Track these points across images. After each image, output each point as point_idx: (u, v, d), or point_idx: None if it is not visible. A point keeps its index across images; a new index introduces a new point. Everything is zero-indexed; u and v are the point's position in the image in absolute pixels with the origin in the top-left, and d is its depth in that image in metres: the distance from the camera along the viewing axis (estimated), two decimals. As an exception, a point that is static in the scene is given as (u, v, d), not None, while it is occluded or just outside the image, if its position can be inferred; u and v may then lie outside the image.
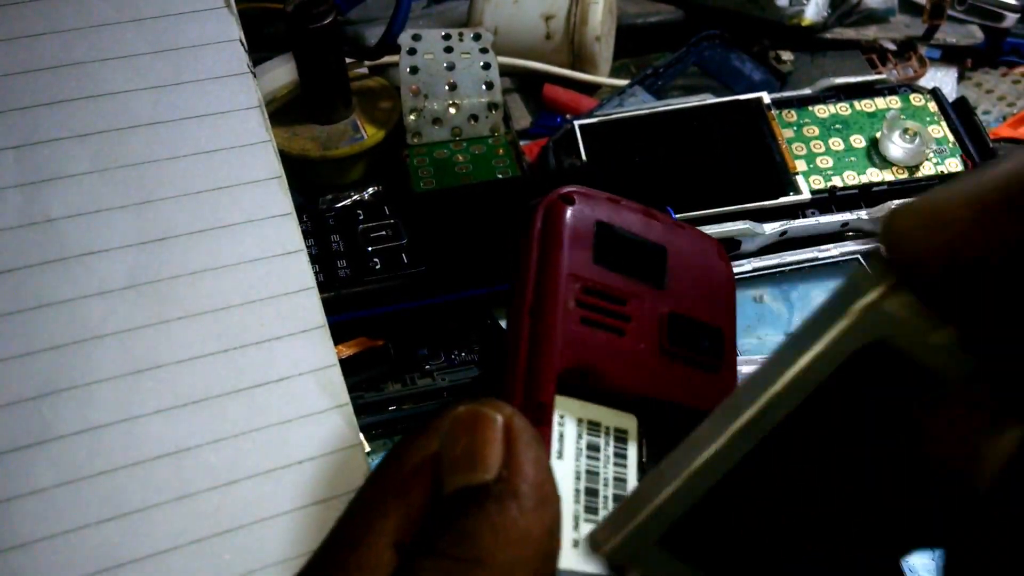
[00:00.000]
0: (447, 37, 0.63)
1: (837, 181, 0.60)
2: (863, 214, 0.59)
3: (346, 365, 0.49)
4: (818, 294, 0.58)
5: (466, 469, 0.25)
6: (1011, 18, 0.75)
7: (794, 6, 0.72)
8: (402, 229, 0.55)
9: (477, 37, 0.63)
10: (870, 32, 0.75)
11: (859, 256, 0.59)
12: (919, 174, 0.60)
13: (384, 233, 0.55)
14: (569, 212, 0.31)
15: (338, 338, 0.49)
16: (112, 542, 0.37)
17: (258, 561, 0.37)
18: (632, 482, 0.29)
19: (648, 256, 0.32)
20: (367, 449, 0.49)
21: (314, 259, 0.53)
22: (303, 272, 0.42)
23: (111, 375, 0.38)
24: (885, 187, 0.60)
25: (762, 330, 0.56)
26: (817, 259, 0.59)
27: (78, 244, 0.40)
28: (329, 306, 0.43)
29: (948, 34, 0.76)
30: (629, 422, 0.30)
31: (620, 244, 0.31)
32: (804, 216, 0.59)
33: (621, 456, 0.30)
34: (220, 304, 0.40)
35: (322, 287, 0.50)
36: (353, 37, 0.72)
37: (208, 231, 0.41)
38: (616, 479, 0.29)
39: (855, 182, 0.60)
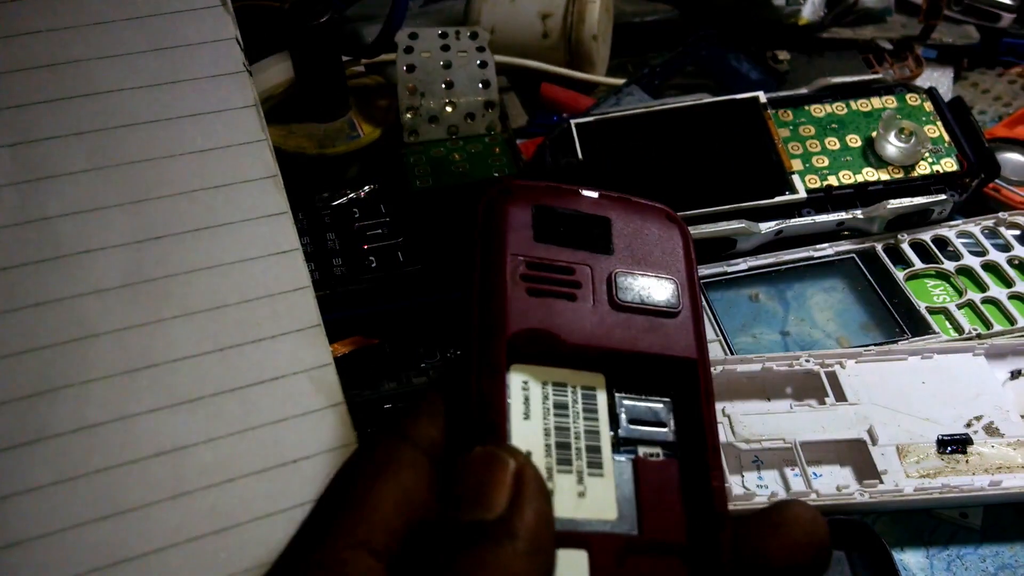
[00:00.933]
0: (444, 35, 0.63)
1: (833, 180, 0.60)
2: (859, 213, 0.59)
3: (341, 363, 0.49)
4: (813, 293, 0.58)
5: (471, 505, 0.27)
6: (1007, 18, 0.75)
7: (791, 5, 0.72)
8: (398, 227, 0.55)
9: (474, 35, 0.64)
10: (867, 32, 0.75)
11: (854, 255, 0.59)
12: (915, 174, 0.60)
13: (380, 231, 0.55)
14: (507, 202, 0.34)
15: (333, 336, 0.49)
16: (108, 540, 0.36)
17: (253, 559, 0.37)
18: (605, 432, 0.31)
19: (591, 227, 0.34)
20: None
21: (310, 257, 0.53)
22: (298, 271, 0.42)
23: (107, 373, 0.38)
24: (881, 186, 0.60)
25: (757, 328, 0.56)
26: (813, 258, 0.59)
27: (74, 242, 0.40)
28: (325, 304, 0.43)
29: (944, 34, 0.76)
30: (596, 380, 0.32)
31: (560, 221, 0.34)
32: (800, 215, 0.59)
33: (591, 411, 0.32)
34: (216, 303, 0.40)
35: (318, 285, 0.50)
36: (350, 35, 0.72)
37: (204, 230, 0.41)
38: (588, 431, 0.31)
39: (851, 181, 0.60)
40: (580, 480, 0.30)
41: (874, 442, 0.48)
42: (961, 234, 0.60)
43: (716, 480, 0.31)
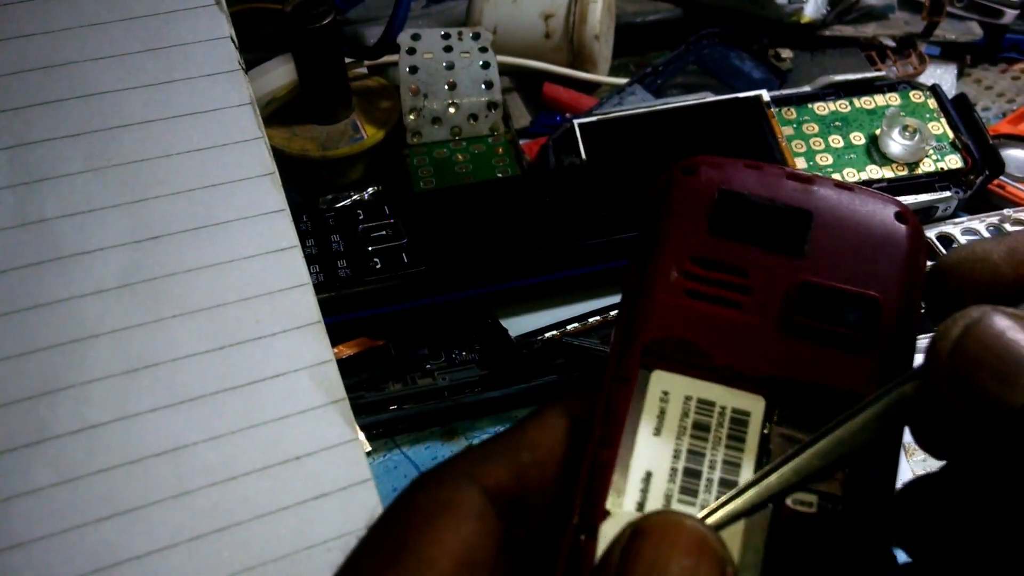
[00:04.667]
0: (446, 36, 0.63)
1: (837, 178, 0.59)
2: (863, 211, 0.59)
3: (347, 365, 0.49)
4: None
5: None
6: (1010, 14, 0.75)
7: (793, 4, 0.72)
8: (402, 229, 0.55)
9: (476, 36, 0.64)
10: (869, 29, 0.75)
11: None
12: (919, 171, 0.60)
13: (384, 233, 0.55)
14: (687, 182, 0.29)
15: (339, 338, 0.49)
16: (110, 540, 0.37)
17: (256, 558, 0.37)
18: (748, 466, 0.26)
19: (783, 222, 0.28)
20: (367, 448, 0.49)
21: (314, 259, 0.53)
22: (297, 268, 0.42)
23: (107, 374, 0.38)
24: (885, 184, 0.59)
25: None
26: (817, 256, 0.59)
27: (72, 244, 0.40)
28: (329, 306, 0.43)
29: (947, 31, 0.75)
30: (754, 404, 0.27)
31: (746, 211, 0.28)
32: (804, 213, 0.59)
33: (737, 439, 0.27)
34: (215, 301, 0.40)
35: (322, 287, 0.50)
36: (352, 37, 0.72)
37: (202, 228, 0.41)
38: (727, 462, 0.26)
39: (855, 179, 0.60)
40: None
41: (880, 439, 0.47)
42: (966, 231, 0.60)
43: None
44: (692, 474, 0.26)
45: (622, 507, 0.25)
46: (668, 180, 0.29)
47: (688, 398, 0.27)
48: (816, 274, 0.28)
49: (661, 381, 0.27)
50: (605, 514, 0.25)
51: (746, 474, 0.26)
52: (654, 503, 0.26)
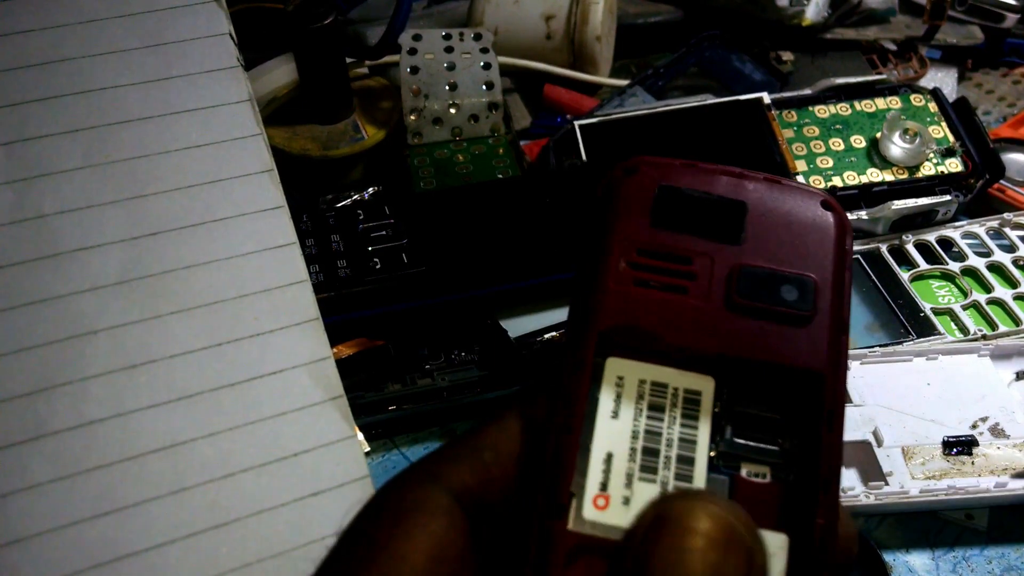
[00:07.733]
0: (448, 37, 0.63)
1: (837, 181, 0.60)
2: (863, 214, 0.59)
3: (346, 365, 0.49)
4: (818, 294, 0.58)
5: None
6: (1011, 18, 0.75)
7: (794, 6, 0.72)
8: (402, 229, 0.55)
9: (478, 37, 0.64)
10: (870, 32, 0.75)
11: (859, 256, 0.59)
12: (919, 174, 0.60)
13: (384, 233, 0.55)
14: (629, 181, 0.30)
15: (338, 338, 0.49)
16: (108, 537, 0.37)
17: (255, 554, 0.37)
18: (703, 442, 0.28)
19: (720, 212, 0.30)
20: (366, 448, 0.49)
21: (314, 259, 0.53)
22: (295, 265, 0.42)
23: (105, 370, 0.38)
24: (885, 187, 0.60)
25: (762, 329, 0.56)
26: (817, 259, 0.59)
27: (70, 240, 0.40)
28: (329, 306, 0.43)
29: (948, 34, 0.76)
30: (704, 383, 0.29)
31: (685, 204, 0.30)
32: (804, 216, 0.59)
33: (691, 417, 0.28)
34: (213, 298, 0.40)
35: (322, 287, 0.50)
36: (354, 37, 0.72)
37: (200, 225, 0.41)
38: (683, 440, 0.28)
39: (855, 182, 0.60)
40: (664, 492, 0.27)
41: (879, 444, 0.47)
42: (966, 235, 0.60)
43: (822, 516, 0.27)
44: (651, 453, 0.28)
45: (585, 488, 0.26)
46: (611, 180, 0.31)
47: (642, 381, 0.28)
48: (754, 259, 0.29)
49: (616, 367, 0.29)
50: (570, 496, 0.26)
51: (701, 449, 0.28)
52: (616, 482, 0.27)
